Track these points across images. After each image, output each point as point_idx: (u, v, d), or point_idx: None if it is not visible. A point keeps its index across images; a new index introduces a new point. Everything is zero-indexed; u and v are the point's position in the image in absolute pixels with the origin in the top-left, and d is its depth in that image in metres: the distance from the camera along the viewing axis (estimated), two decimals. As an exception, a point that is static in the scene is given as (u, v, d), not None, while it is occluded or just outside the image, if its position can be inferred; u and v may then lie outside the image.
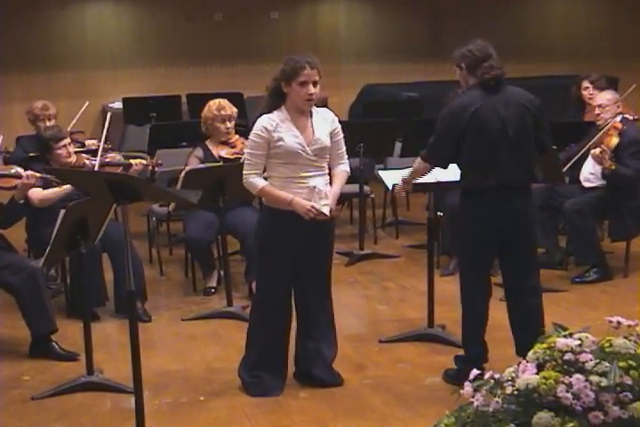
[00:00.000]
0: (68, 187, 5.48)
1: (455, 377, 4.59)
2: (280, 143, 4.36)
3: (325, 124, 4.48)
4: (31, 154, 6.59)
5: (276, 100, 4.44)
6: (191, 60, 11.25)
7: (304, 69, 4.33)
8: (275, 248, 4.49)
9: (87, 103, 7.20)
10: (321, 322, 4.63)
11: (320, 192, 4.38)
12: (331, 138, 4.48)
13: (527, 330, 4.57)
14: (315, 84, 4.37)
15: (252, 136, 4.43)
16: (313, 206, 4.35)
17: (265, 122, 4.40)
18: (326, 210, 4.39)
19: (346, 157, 4.59)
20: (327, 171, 4.51)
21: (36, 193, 5.55)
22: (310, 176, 4.40)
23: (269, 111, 4.44)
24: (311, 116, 4.46)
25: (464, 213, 4.63)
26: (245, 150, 4.56)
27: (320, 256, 4.56)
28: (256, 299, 4.66)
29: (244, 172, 4.46)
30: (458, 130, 4.43)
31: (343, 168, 4.56)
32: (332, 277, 4.67)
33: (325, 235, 4.55)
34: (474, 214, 4.53)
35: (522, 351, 4.54)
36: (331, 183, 4.53)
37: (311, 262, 4.55)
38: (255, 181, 4.42)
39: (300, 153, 4.37)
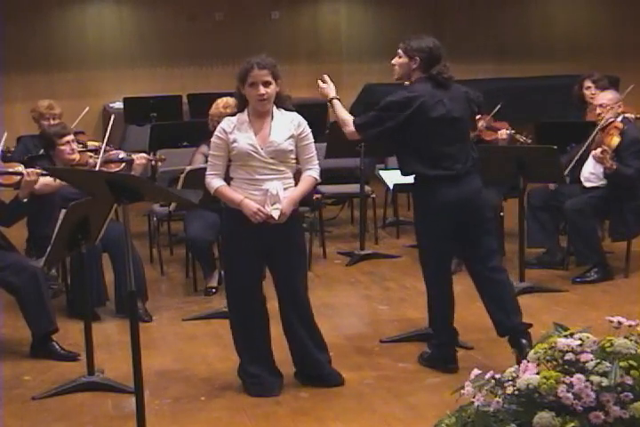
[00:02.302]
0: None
1: (428, 360, 4.84)
2: (234, 145, 4.39)
3: (288, 127, 4.44)
4: (30, 154, 6.59)
5: (240, 102, 4.49)
6: (192, 60, 11.26)
7: (252, 70, 4.34)
8: (236, 248, 4.50)
9: (87, 109, 7.20)
10: (297, 321, 4.59)
11: (273, 196, 4.36)
12: (298, 142, 4.46)
13: (500, 306, 4.73)
14: (266, 84, 4.36)
15: (212, 138, 4.51)
16: (260, 209, 4.35)
17: (224, 124, 4.46)
18: (276, 214, 4.35)
19: (315, 162, 4.55)
20: (289, 175, 4.48)
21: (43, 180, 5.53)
22: (266, 179, 4.39)
23: (235, 114, 4.49)
24: (272, 119, 4.45)
25: (418, 202, 4.80)
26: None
27: (287, 258, 4.53)
28: (227, 299, 4.67)
29: (206, 172, 4.51)
30: (400, 119, 4.62)
31: (310, 173, 4.52)
32: (306, 279, 4.64)
33: (289, 236, 4.49)
34: (429, 203, 4.67)
35: (502, 331, 4.73)
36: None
37: (279, 263, 4.56)
38: (212, 181, 4.46)
39: (252, 154, 4.37)
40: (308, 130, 4.51)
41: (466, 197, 4.63)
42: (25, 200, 5.29)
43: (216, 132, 4.48)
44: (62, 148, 5.86)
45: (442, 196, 4.59)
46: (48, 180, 5.54)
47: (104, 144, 6.12)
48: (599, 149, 6.22)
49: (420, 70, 4.74)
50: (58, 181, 5.49)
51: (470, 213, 4.67)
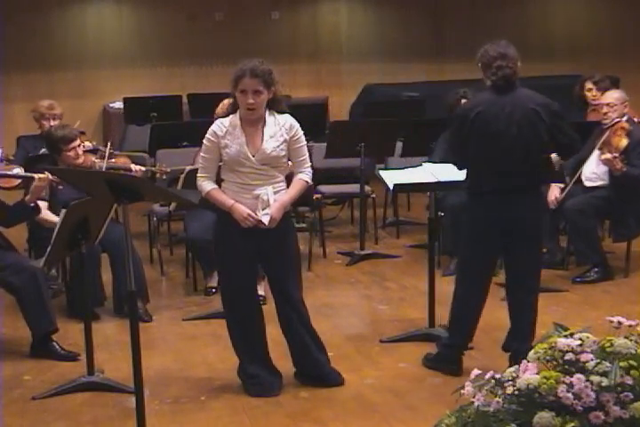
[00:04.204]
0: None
1: (433, 360, 4.78)
2: (226, 150, 4.39)
3: (280, 132, 4.42)
4: (30, 155, 6.60)
5: (235, 103, 4.47)
6: (192, 60, 11.26)
7: (243, 78, 4.32)
8: (229, 249, 4.51)
9: (78, 122, 7.22)
10: (296, 321, 4.59)
11: (264, 201, 4.36)
12: (290, 145, 4.44)
13: (515, 327, 4.69)
14: (256, 93, 4.32)
15: (204, 140, 4.49)
16: (250, 214, 4.35)
17: (215, 127, 4.45)
18: (265, 219, 4.36)
19: (307, 165, 4.53)
20: (281, 179, 4.47)
21: (42, 210, 5.54)
22: (257, 184, 4.39)
23: (227, 115, 4.48)
24: (265, 124, 4.43)
25: (468, 213, 4.68)
26: (198, 155, 4.60)
27: (280, 259, 4.54)
28: (222, 300, 4.68)
29: (197, 174, 4.51)
30: (463, 132, 4.46)
31: (301, 177, 4.51)
32: (300, 280, 4.62)
33: (281, 237, 4.49)
34: (477, 216, 4.57)
35: (506, 347, 4.71)
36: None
37: (272, 265, 4.57)
38: (204, 184, 4.46)
39: (243, 162, 4.37)
40: (301, 132, 4.49)
41: (519, 215, 4.48)
42: (32, 205, 5.28)
43: (208, 135, 4.46)
44: (69, 154, 5.81)
45: (494, 210, 4.47)
46: (47, 216, 5.54)
47: (107, 148, 6.13)
48: (609, 154, 6.19)
49: (486, 78, 4.48)
50: (53, 218, 5.48)
51: (520, 230, 4.52)
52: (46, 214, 5.60)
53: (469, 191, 4.61)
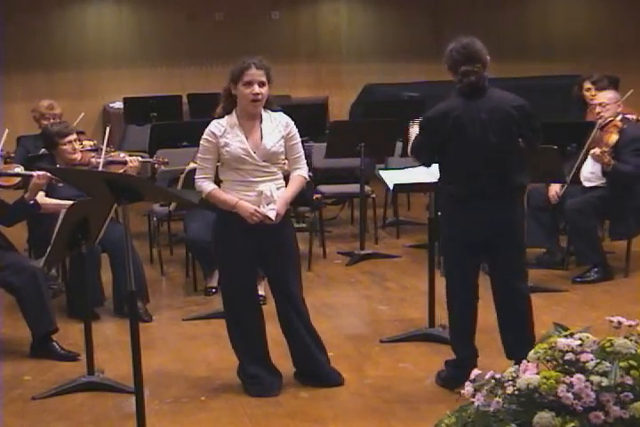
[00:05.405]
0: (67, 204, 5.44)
1: (445, 380, 4.57)
2: (226, 149, 4.40)
3: (277, 129, 4.46)
4: (31, 154, 6.61)
5: (228, 104, 4.48)
6: (192, 60, 11.26)
7: (249, 69, 4.35)
8: (229, 249, 4.51)
9: (82, 114, 7.22)
10: (297, 321, 4.59)
11: (267, 197, 4.38)
12: (286, 142, 4.47)
13: (514, 333, 4.55)
14: (261, 84, 4.37)
15: (201, 141, 4.49)
16: (256, 210, 4.36)
17: (213, 127, 4.46)
18: (272, 214, 4.38)
19: (303, 161, 4.56)
20: (280, 176, 4.50)
21: (41, 198, 5.54)
22: (259, 181, 4.41)
23: (222, 116, 4.49)
24: (262, 121, 4.46)
25: (445, 218, 4.59)
26: (197, 155, 4.61)
27: (280, 258, 4.54)
28: (222, 299, 4.68)
29: (195, 176, 4.52)
30: (441, 135, 4.33)
31: (299, 173, 4.54)
32: (300, 279, 4.62)
33: (280, 236, 4.50)
34: (455, 221, 4.48)
35: (511, 354, 4.48)
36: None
37: (272, 264, 4.57)
38: (203, 185, 4.46)
39: (245, 159, 4.39)
40: (295, 130, 4.53)
41: (498, 219, 4.38)
42: (32, 202, 5.28)
43: (205, 136, 4.47)
44: (64, 147, 5.87)
45: (472, 215, 4.37)
46: (47, 201, 5.56)
47: (104, 146, 6.14)
48: (597, 149, 6.24)
49: (454, 82, 4.33)
50: (55, 201, 5.50)
51: (500, 234, 4.42)
52: (44, 199, 5.58)
53: (447, 197, 4.48)
